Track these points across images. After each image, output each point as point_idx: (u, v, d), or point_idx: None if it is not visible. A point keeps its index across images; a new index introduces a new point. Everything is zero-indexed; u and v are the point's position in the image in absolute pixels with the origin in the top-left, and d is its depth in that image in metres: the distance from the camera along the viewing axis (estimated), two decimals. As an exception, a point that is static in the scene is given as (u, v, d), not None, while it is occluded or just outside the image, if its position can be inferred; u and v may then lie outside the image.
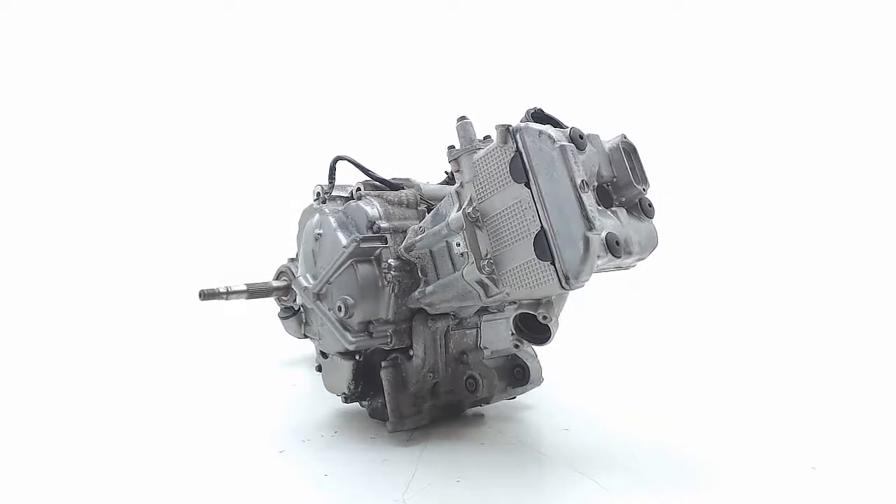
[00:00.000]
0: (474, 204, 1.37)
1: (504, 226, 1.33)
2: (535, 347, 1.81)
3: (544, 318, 1.33)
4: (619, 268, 1.38)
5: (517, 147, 1.29)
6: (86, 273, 3.37)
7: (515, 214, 1.30)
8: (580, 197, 1.22)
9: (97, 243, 3.47)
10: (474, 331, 1.65)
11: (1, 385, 2.10)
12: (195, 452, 1.52)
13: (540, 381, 1.72)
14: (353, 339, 1.50)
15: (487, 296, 1.38)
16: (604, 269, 1.35)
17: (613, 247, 1.24)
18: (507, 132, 1.31)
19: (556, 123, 1.49)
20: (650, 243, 1.38)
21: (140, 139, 3.63)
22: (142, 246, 3.48)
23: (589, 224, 1.21)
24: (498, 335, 1.70)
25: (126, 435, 1.64)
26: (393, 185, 1.70)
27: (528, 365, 1.68)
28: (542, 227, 1.26)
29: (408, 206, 1.63)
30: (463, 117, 1.44)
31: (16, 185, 3.49)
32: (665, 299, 3.30)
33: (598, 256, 1.23)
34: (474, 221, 1.37)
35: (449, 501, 1.26)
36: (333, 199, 1.66)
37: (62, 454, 1.52)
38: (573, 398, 1.93)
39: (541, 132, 1.27)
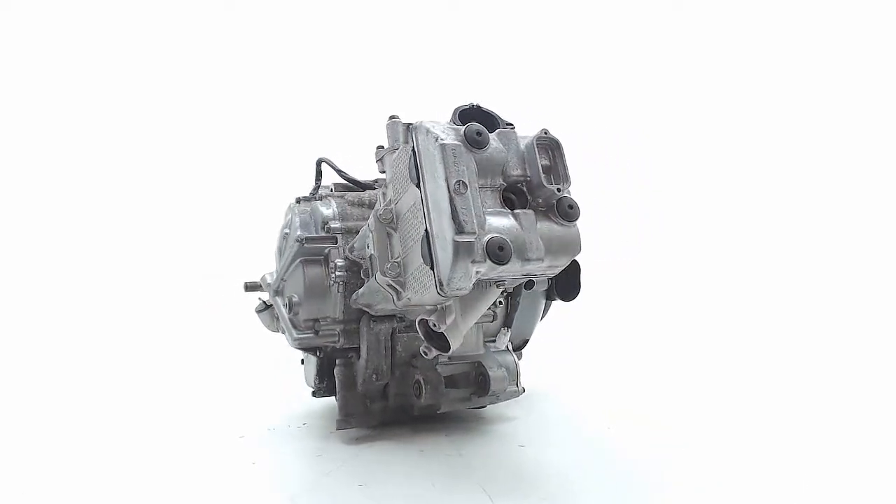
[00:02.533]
0: (391, 205, 1.35)
1: (408, 228, 1.29)
2: (516, 354, 1.75)
3: (434, 325, 1.27)
4: (529, 274, 1.26)
5: (412, 146, 1.24)
6: (83, 266, 3.51)
7: (414, 216, 1.26)
8: (452, 198, 1.14)
9: (94, 239, 3.61)
10: (429, 334, 1.60)
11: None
12: (160, 429, 1.67)
13: (507, 392, 1.63)
14: (297, 336, 1.55)
15: (398, 300, 1.35)
16: (505, 276, 1.24)
17: (494, 252, 1.14)
18: (407, 131, 1.27)
19: (494, 120, 1.41)
20: (565, 249, 1.24)
21: (140, 139, 3.76)
22: (148, 242, 3.62)
23: (458, 227, 1.13)
24: (464, 340, 1.63)
25: (113, 413, 1.83)
26: (364, 186, 1.71)
27: (489, 374, 1.60)
28: (426, 230, 1.20)
29: (368, 206, 1.64)
30: (393, 117, 1.42)
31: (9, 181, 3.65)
32: (667, 301, 3.22)
33: (475, 262, 1.14)
34: (388, 223, 1.34)
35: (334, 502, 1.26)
36: (309, 199, 1.72)
37: (22, 425, 1.74)
38: (567, 410, 1.82)
39: (429, 130, 1.21)
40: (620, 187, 3.46)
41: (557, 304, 1.82)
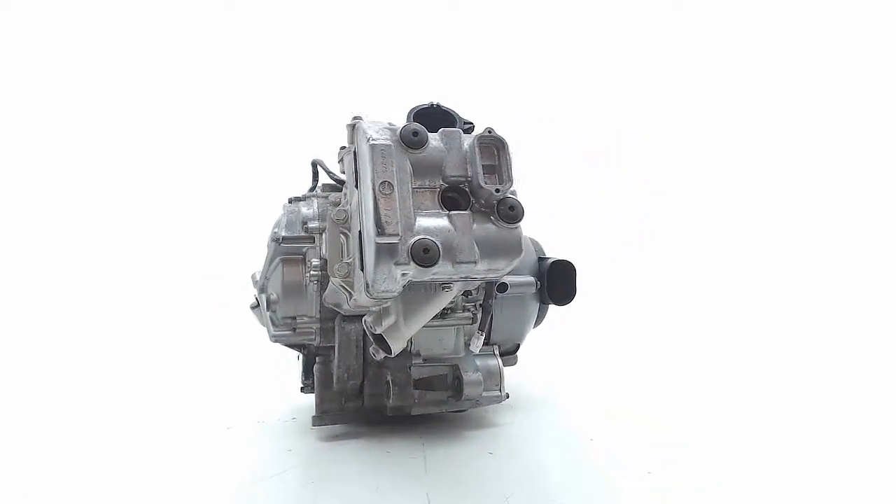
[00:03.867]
0: (345, 206, 1.36)
1: (355, 230, 1.29)
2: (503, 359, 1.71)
3: (370, 326, 1.26)
4: (467, 278, 1.22)
5: (354, 147, 1.25)
6: (85, 264, 3.52)
7: (356, 217, 1.26)
8: (376, 199, 1.14)
9: (97, 238, 3.63)
10: (403, 336, 1.59)
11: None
12: (155, 418, 1.75)
13: (487, 397, 1.60)
14: (275, 333, 1.59)
15: (349, 300, 1.35)
16: (439, 279, 1.21)
17: (419, 255, 1.12)
18: (352, 131, 1.27)
19: (452, 119, 1.39)
20: (503, 252, 1.20)
21: (141, 140, 3.77)
22: (149, 242, 3.62)
23: (379, 229, 1.12)
24: (441, 342, 1.62)
25: (114, 400, 1.90)
26: (350, 186, 1.73)
27: (463, 378, 1.57)
28: (359, 231, 1.20)
29: (349, 206, 1.65)
30: (356, 118, 1.42)
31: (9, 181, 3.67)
32: (666, 301, 3.19)
33: (399, 264, 1.13)
34: (341, 223, 1.35)
35: (275, 498, 1.29)
36: (300, 199, 1.75)
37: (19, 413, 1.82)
38: (558, 417, 1.77)
39: (364, 131, 1.21)
40: (620, 187, 3.40)
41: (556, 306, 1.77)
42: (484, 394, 1.60)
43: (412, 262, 1.12)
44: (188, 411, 1.81)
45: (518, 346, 1.78)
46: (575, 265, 1.72)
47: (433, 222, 1.17)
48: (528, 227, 1.87)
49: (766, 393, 1.94)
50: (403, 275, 1.14)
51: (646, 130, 3.44)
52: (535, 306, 1.74)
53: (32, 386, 2.07)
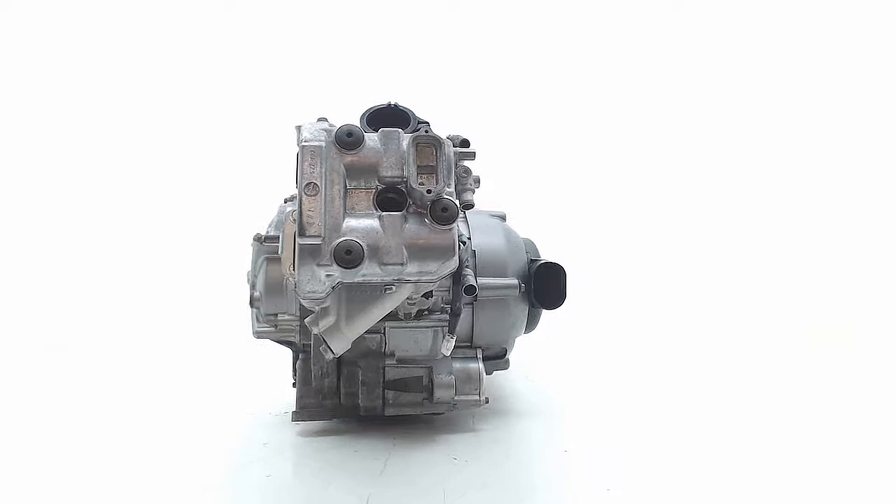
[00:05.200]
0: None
1: (304, 230, 1.31)
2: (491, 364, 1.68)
3: (309, 325, 1.27)
4: (399, 280, 1.20)
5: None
6: (90, 262, 3.47)
7: (302, 218, 1.28)
8: (301, 200, 1.15)
9: (99, 238, 3.58)
10: (377, 336, 1.58)
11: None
12: (156, 412, 1.82)
13: (463, 401, 1.58)
14: (257, 329, 1.64)
15: (308, 300, 1.37)
16: (369, 281, 1.20)
17: (341, 256, 1.12)
18: (298, 133, 1.29)
19: (407, 119, 1.38)
20: (434, 254, 1.17)
21: (143, 139, 3.71)
22: (151, 242, 3.57)
23: (300, 229, 1.13)
24: (417, 344, 1.60)
25: (115, 397, 1.95)
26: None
27: (434, 380, 1.55)
28: (294, 232, 1.22)
29: (333, 206, 1.67)
30: (321, 119, 1.44)
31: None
32: (665, 301, 3.11)
33: (322, 265, 1.14)
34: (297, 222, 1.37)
35: (227, 488, 1.33)
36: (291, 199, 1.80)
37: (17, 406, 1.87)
38: (543, 425, 1.70)
39: (301, 132, 1.22)
40: (620, 187, 3.23)
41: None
42: (460, 397, 1.58)
43: (335, 264, 1.13)
44: (188, 405, 1.87)
45: (505, 351, 1.73)
46: (564, 268, 1.65)
47: (361, 223, 1.17)
48: (526, 228, 1.84)
49: (766, 393, 1.93)
50: (328, 276, 1.15)
51: (643, 131, 3.32)
52: (523, 310, 1.69)
53: (30, 379, 2.14)
